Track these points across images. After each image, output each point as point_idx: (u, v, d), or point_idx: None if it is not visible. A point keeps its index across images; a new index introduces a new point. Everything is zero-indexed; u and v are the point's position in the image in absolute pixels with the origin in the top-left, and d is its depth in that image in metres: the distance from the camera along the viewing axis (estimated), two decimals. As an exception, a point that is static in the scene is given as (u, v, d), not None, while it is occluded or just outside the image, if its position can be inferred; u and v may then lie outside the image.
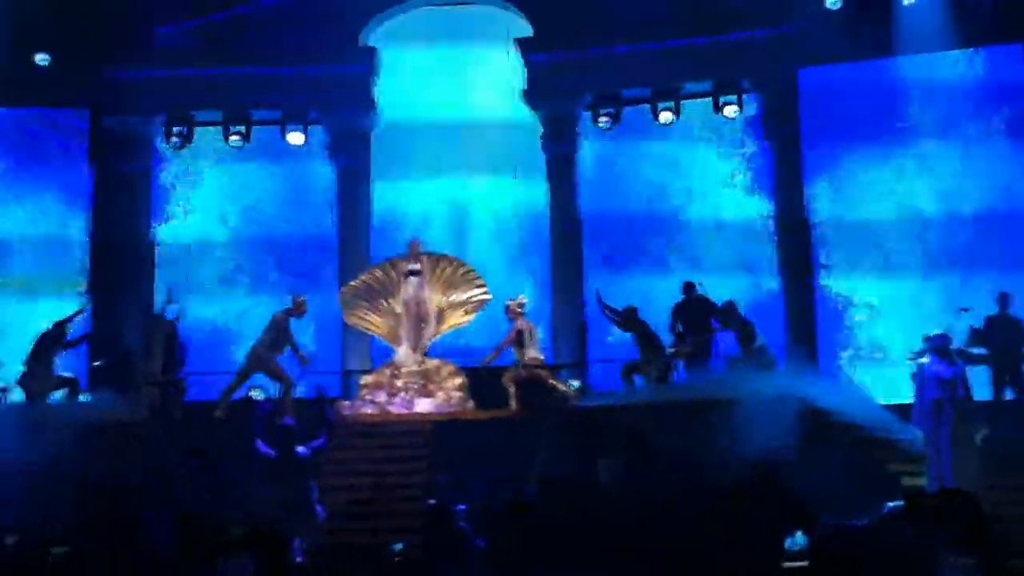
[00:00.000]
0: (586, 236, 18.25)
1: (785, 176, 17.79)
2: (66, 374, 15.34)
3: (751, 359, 13.86)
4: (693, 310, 15.23)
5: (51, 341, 14.99)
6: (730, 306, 14.59)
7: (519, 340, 15.48)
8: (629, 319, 15.07)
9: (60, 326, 15.20)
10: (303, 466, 12.41)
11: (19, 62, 17.98)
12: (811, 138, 17.78)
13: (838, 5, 17.37)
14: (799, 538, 8.40)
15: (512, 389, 15.10)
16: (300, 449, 12.47)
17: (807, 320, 17.06)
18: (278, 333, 15.21)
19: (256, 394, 15.50)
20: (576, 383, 15.72)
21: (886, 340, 15.79)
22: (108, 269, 18.16)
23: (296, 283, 17.60)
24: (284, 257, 18.83)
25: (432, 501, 11.40)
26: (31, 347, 14.91)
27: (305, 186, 19.15)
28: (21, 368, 14.85)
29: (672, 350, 14.96)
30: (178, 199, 18.94)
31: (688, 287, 15.56)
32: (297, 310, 15.56)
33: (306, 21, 18.47)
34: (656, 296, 16.19)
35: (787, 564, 7.93)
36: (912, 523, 7.98)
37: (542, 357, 15.74)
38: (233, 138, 18.82)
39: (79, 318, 15.73)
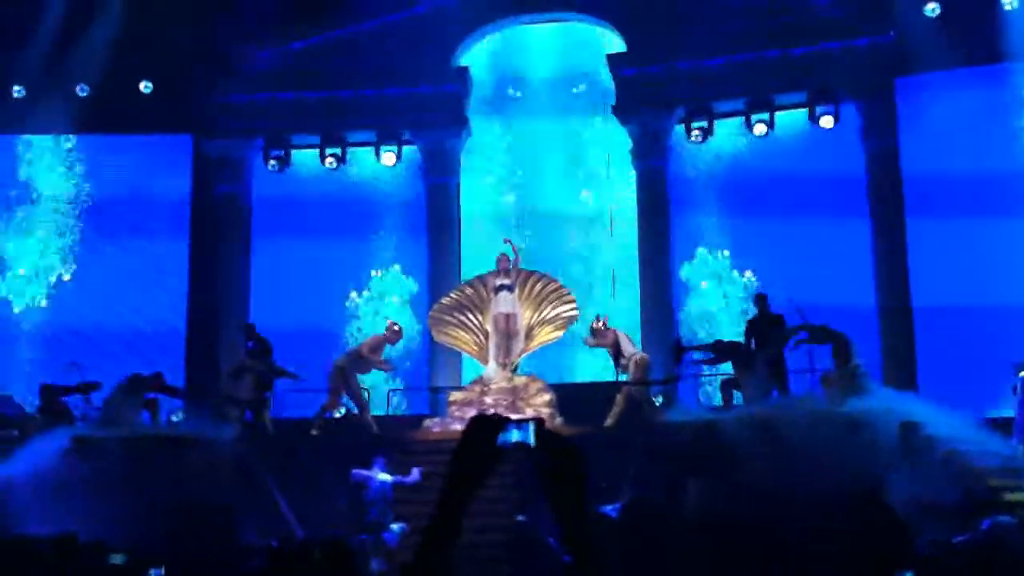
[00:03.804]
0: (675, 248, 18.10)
1: (883, 190, 17.36)
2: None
3: (845, 375, 13.39)
4: (766, 325, 14.85)
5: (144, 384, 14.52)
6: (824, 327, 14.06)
7: (617, 351, 15.42)
8: (721, 348, 14.66)
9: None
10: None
11: (124, 90, 18.55)
12: (910, 150, 17.27)
13: (937, 12, 16.97)
14: None
15: (619, 408, 15.03)
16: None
17: (904, 338, 16.56)
18: (365, 358, 15.45)
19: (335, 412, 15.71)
20: (660, 399, 15.50)
21: (986, 354, 15.15)
22: (206, 291, 18.58)
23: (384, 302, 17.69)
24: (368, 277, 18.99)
25: (520, 517, 11.37)
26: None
27: (393, 204, 19.32)
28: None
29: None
30: (275, 220, 19.26)
31: (760, 301, 15.19)
32: (392, 337, 15.75)
33: (400, 43, 18.66)
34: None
35: None
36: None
37: (647, 356, 15.63)
38: (328, 160, 19.12)
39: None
